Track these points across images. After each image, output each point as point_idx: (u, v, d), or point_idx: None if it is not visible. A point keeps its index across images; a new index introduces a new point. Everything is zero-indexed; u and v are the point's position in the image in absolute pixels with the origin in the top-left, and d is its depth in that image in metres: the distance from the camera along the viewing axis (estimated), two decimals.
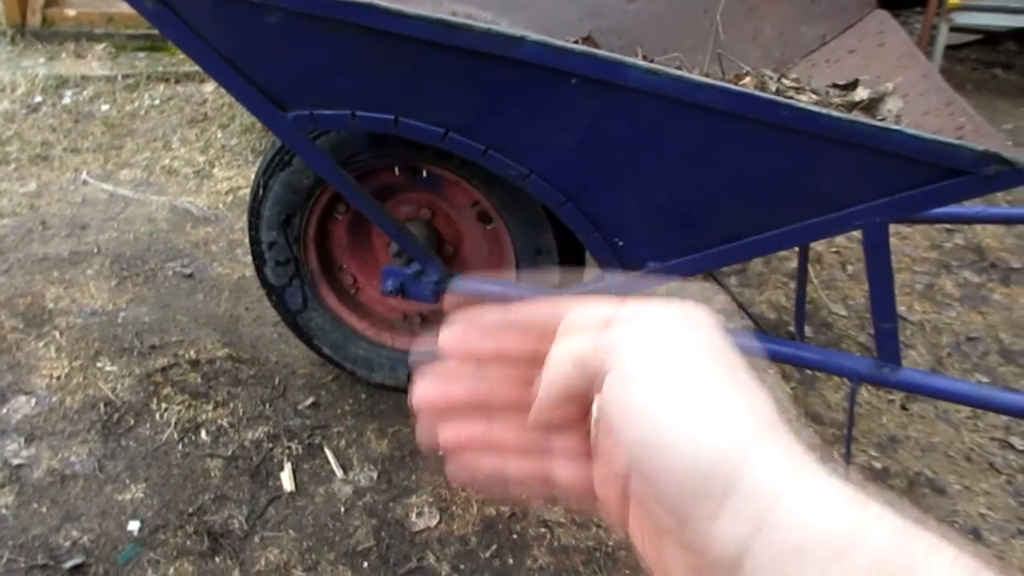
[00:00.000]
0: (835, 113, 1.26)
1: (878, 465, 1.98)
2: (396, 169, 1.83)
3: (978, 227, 3.01)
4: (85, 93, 3.90)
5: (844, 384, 2.17)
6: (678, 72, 1.28)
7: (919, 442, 2.07)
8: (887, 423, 2.12)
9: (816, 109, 1.26)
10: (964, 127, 1.47)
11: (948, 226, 3.00)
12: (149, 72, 4.12)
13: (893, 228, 2.82)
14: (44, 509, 1.73)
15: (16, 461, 1.84)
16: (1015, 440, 2.08)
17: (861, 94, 1.70)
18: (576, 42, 1.95)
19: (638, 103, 1.32)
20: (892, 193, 1.33)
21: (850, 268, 2.79)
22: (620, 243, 1.55)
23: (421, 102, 1.47)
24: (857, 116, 1.36)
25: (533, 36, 1.29)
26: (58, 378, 2.07)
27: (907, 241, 2.98)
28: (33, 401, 2.01)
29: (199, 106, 3.84)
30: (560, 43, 1.30)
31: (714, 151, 1.37)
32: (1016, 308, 2.63)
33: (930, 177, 1.29)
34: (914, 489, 1.92)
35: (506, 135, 1.46)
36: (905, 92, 1.68)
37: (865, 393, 2.19)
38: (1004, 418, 2.10)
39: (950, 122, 1.52)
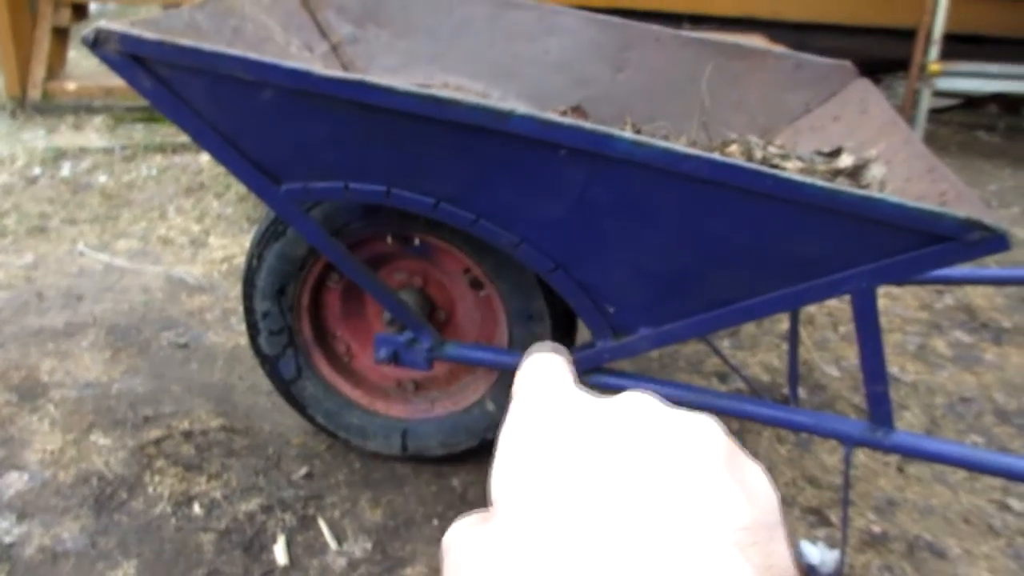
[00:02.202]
0: (818, 182, 1.29)
1: (877, 529, 1.96)
2: (388, 237, 1.85)
3: (968, 287, 3.03)
4: (83, 164, 3.95)
5: (840, 446, 2.16)
6: (664, 143, 1.31)
7: (917, 504, 2.05)
8: (884, 485, 2.11)
9: (799, 178, 1.28)
10: (947, 193, 1.49)
11: (939, 287, 3.02)
12: (146, 143, 4.18)
13: (883, 289, 2.84)
14: None
15: (8, 539, 1.81)
16: (1013, 501, 2.06)
17: (845, 161, 1.73)
18: (566, 111, 1.99)
19: (626, 173, 1.34)
20: (878, 259, 1.35)
21: (842, 329, 2.80)
22: (611, 309, 1.56)
23: (412, 173, 1.49)
24: (841, 184, 1.39)
25: (521, 110, 1.32)
26: (51, 452, 2.06)
27: (898, 301, 3.00)
28: (26, 476, 1.99)
29: (195, 175, 3.89)
30: (548, 117, 1.33)
31: (701, 219, 1.39)
32: (1008, 368, 2.64)
33: (915, 243, 1.31)
34: (914, 553, 1.90)
35: (497, 204, 1.49)
36: (888, 159, 1.71)
37: (861, 455, 2.18)
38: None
39: (933, 188, 1.54)
